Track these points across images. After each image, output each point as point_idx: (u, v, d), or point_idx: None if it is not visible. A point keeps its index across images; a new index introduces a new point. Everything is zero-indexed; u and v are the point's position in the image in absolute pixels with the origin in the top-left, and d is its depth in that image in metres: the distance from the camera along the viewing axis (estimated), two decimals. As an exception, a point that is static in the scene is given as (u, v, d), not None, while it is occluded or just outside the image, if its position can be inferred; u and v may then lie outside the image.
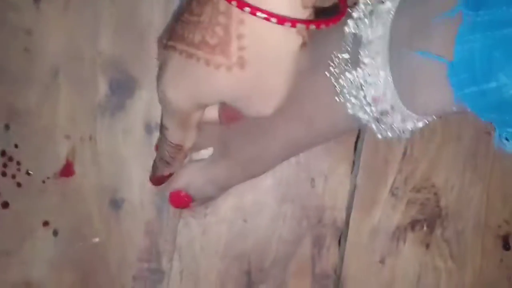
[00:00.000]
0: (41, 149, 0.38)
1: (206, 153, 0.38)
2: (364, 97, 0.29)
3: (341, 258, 0.40)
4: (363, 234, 0.40)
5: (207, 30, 0.23)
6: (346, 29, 0.30)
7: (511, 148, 0.26)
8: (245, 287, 0.40)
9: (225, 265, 0.40)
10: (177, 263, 0.39)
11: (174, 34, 0.26)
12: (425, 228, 0.40)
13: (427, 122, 0.31)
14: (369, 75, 0.28)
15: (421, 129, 0.39)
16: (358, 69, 0.28)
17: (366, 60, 0.28)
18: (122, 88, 0.38)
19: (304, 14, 0.24)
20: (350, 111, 0.30)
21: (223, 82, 0.24)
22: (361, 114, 0.30)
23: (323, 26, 0.24)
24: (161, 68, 0.27)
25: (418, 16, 0.27)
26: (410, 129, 0.31)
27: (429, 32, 0.26)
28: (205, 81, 0.25)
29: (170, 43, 0.26)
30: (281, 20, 0.22)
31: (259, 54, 0.24)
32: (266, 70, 0.24)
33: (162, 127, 0.31)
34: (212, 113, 0.32)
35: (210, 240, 0.39)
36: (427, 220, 0.40)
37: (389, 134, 0.31)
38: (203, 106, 0.29)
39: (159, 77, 0.28)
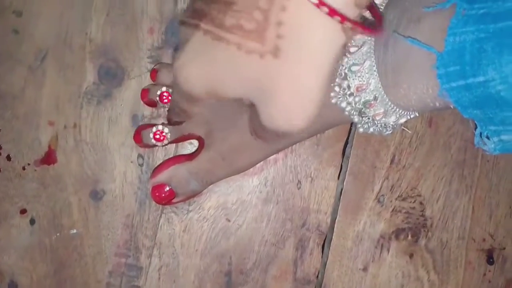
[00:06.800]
0: (23, 134, 0.37)
1: (189, 147, 0.37)
2: (348, 86, 0.29)
3: (324, 264, 0.39)
4: (347, 240, 0.39)
5: (243, 14, 0.21)
6: None
7: (491, 147, 0.26)
8: (224, 288, 0.39)
9: (205, 264, 0.39)
10: (156, 260, 0.38)
11: (199, 11, 0.23)
12: (409, 237, 0.40)
13: (410, 118, 0.31)
14: (354, 64, 0.28)
15: (410, 137, 0.40)
16: (344, 57, 0.29)
17: (352, 50, 0.29)
18: (111, 76, 0.38)
19: (355, 13, 0.21)
20: (333, 100, 0.30)
21: (252, 68, 0.22)
22: (344, 104, 0.30)
23: (366, 33, 0.21)
24: (181, 46, 0.25)
25: (409, 6, 0.27)
26: (393, 124, 0.31)
27: (419, 21, 0.26)
28: (232, 66, 0.22)
29: (194, 21, 0.23)
30: (332, 11, 0.20)
31: (297, 46, 0.21)
32: (301, 65, 0.22)
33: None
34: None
35: (191, 237, 0.38)
36: (412, 229, 0.40)
37: (371, 129, 0.31)
38: (216, 96, 0.25)
39: (177, 55, 0.25)
